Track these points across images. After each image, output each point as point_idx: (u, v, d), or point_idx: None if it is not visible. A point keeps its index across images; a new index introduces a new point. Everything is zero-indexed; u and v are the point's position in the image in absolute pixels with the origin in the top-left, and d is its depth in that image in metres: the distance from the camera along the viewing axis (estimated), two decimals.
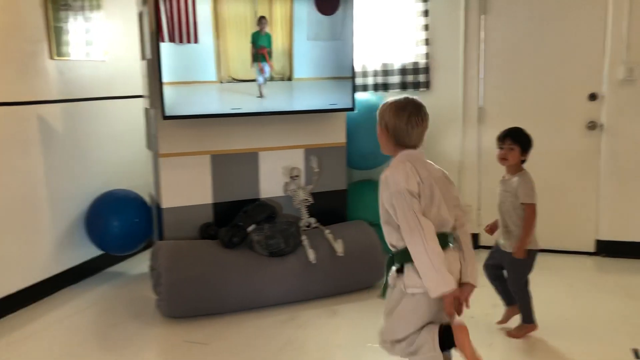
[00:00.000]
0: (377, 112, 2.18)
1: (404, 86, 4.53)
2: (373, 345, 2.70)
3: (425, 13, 4.41)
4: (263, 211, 3.69)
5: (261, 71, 3.60)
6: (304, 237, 3.65)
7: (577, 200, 4.38)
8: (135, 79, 4.17)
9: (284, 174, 3.94)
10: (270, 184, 3.93)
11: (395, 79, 4.53)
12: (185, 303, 3.32)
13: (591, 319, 3.30)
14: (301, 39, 3.68)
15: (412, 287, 2.06)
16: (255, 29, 3.54)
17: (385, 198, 2.06)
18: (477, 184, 4.57)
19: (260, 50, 3.57)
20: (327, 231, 3.75)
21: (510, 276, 3.05)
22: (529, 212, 2.91)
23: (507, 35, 4.38)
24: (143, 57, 3.75)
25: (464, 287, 2.13)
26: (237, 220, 3.64)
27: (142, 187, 4.18)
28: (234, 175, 3.81)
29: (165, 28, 3.31)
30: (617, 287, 3.77)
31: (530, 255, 2.97)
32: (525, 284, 3.05)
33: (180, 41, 3.36)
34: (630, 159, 4.21)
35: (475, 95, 4.48)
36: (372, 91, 4.60)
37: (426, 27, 4.43)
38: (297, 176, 3.90)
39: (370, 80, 4.59)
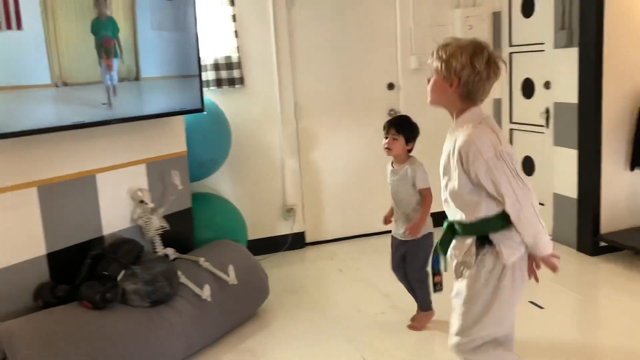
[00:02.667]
0: (438, 55, 1.83)
1: (219, 83, 4.06)
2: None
3: (232, 2, 4.01)
4: (131, 250, 2.82)
5: (109, 68, 2.71)
6: (179, 274, 2.95)
7: (382, 184, 4.65)
8: None
9: (130, 198, 3.09)
10: (114, 214, 3.02)
11: (209, 75, 4.01)
12: None
13: None
14: (145, 28, 2.91)
15: (511, 256, 1.82)
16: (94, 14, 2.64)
17: (478, 169, 1.75)
18: (299, 182, 4.45)
19: (105, 42, 2.68)
20: (202, 259, 3.12)
21: (412, 264, 3.03)
22: (427, 195, 2.94)
23: (313, 28, 4.34)
24: None
25: None
26: (99, 269, 2.70)
27: None
28: (70, 210, 2.80)
29: None
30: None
31: (429, 238, 3.02)
32: (425, 268, 3.09)
33: None
34: (425, 142, 4.70)
35: (291, 90, 4.33)
36: None
37: (234, 18, 4.04)
38: (143, 201, 3.10)
39: None
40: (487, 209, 1.81)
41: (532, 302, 3.31)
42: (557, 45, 4.06)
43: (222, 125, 3.82)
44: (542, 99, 4.32)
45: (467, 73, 1.79)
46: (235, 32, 4.05)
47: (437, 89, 1.87)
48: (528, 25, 4.41)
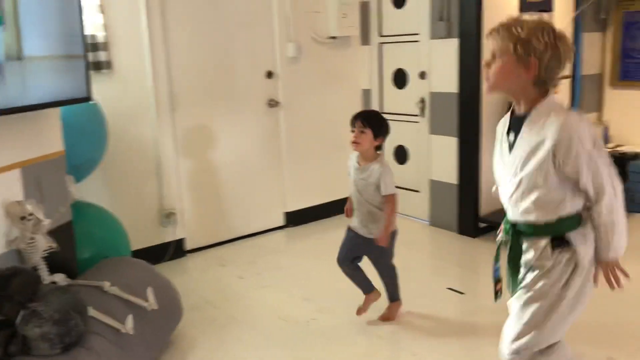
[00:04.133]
0: (511, 33, 1.61)
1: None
2: None
3: None
4: (25, 283, 2.13)
5: None
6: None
7: (266, 178, 4.40)
8: None
9: (5, 214, 2.36)
10: None
11: None
12: None
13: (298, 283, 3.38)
14: None
15: (587, 256, 1.71)
16: None
17: (579, 161, 1.59)
18: (177, 183, 3.92)
19: None
20: (107, 284, 2.52)
21: (381, 262, 2.92)
22: (392, 201, 2.80)
23: (188, 12, 3.84)
24: None
25: None
26: None
27: None
28: None
29: None
30: (305, 251, 4.06)
31: (394, 236, 2.90)
32: (393, 263, 2.96)
33: None
34: (304, 133, 4.52)
35: (166, 77, 3.77)
36: None
37: None
38: (31, 215, 2.40)
39: None
40: (572, 206, 1.68)
41: (450, 289, 3.35)
42: (434, 36, 4.18)
43: (98, 118, 3.16)
44: (416, 89, 4.43)
45: (550, 55, 1.61)
46: (100, 6, 3.39)
47: (507, 73, 1.65)
48: (400, 16, 4.48)
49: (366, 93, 4.83)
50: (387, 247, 2.82)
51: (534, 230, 1.73)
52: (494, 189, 1.93)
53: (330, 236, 4.35)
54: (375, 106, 4.80)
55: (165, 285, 2.81)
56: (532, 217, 1.72)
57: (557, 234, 1.70)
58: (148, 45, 3.64)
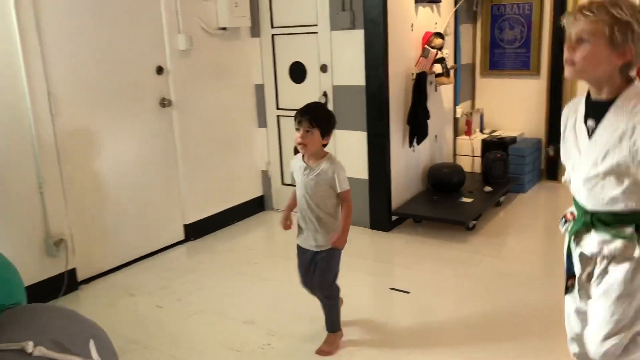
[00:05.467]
0: (609, 14, 1.48)
1: None
2: None
3: None
4: None
5: None
6: None
7: (162, 188, 3.89)
8: None
9: None
10: None
11: None
12: None
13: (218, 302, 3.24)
14: None
15: None
16: None
17: None
18: (63, 203, 3.26)
19: None
20: (29, 345, 1.93)
21: (323, 278, 2.60)
22: (349, 199, 2.57)
23: (64, 1, 3.20)
24: None
25: None
26: None
27: None
28: None
29: None
30: (219, 266, 3.67)
31: (339, 251, 2.65)
32: (336, 282, 2.66)
33: None
34: (199, 134, 4.07)
35: (43, 77, 3.09)
36: None
37: None
38: None
39: None
40: None
41: (394, 289, 3.23)
42: (336, 27, 4.01)
43: None
44: (317, 83, 4.23)
45: None
46: None
47: (598, 58, 1.52)
48: (293, 6, 4.23)
49: (259, 88, 4.52)
50: (335, 257, 2.58)
51: (618, 220, 1.64)
52: (564, 178, 1.83)
53: (239, 246, 4.01)
54: (270, 102, 4.51)
55: (98, 334, 2.27)
56: (618, 207, 1.63)
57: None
58: (19, 41, 2.95)
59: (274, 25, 4.35)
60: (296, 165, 2.57)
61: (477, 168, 5.02)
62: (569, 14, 1.60)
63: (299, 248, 2.63)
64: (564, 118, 1.79)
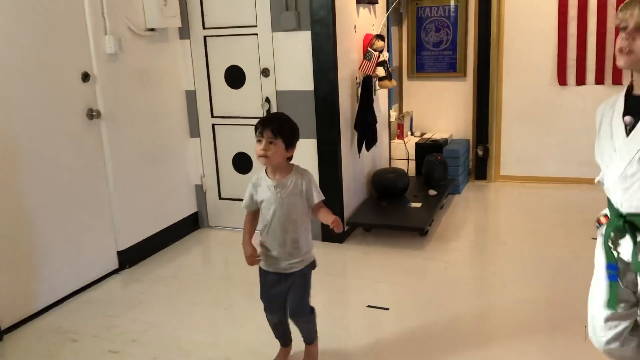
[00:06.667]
0: None
1: None
2: None
3: None
4: None
5: None
6: None
7: (92, 212, 3.39)
8: None
9: None
10: None
11: None
12: None
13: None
14: None
15: None
16: None
17: None
18: None
19: None
20: None
21: (299, 299, 2.36)
22: (324, 206, 2.36)
23: None
24: None
25: None
26: None
27: None
28: None
29: None
30: (169, 297, 3.26)
31: (313, 266, 2.42)
32: (310, 299, 2.45)
33: None
34: (130, 148, 3.62)
35: None
36: None
37: None
38: None
39: None
40: None
41: (371, 306, 3.03)
42: (279, 28, 3.74)
43: None
44: (258, 88, 3.93)
45: None
46: None
47: None
48: (227, 6, 3.90)
49: (190, 95, 4.12)
50: (309, 274, 2.37)
51: None
52: (597, 179, 1.73)
53: (183, 272, 3.62)
54: (203, 110, 4.14)
55: None
56: None
57: None
58: None
59: (206, 26, 3.98)
60: (262, 185, 2.30)
61: (412, 171, 4.98)
62: (630, 4, 1.53)
63: (265, 273, 2.36)
64: (599, 115, 1.74)
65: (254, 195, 2.31)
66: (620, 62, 1.57)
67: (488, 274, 3.43)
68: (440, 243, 3.86)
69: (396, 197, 4.32)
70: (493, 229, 4.33)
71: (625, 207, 1.61)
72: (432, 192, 4.40)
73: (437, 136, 5.19)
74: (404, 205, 4.19)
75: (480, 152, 5.20)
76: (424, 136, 5.25)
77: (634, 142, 1.56)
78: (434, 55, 5.28)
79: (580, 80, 4.84)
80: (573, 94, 4.88)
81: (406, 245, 3.82)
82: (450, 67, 5.25)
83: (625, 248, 1.67)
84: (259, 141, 2.21)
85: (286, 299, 2.36)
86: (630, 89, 1.64)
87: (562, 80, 4.88)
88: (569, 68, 4.85)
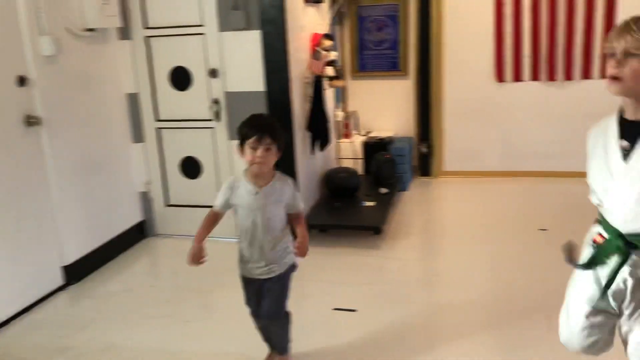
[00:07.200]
0: None
1: None
2: None
3: None
4: None
5: None
6: None
7: (33, 227, 3.14)
8: None
9: None
10: None
11: None
12: None
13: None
14: None
15: None
16: None
17: None
18: None
19: None
20: None
21: (275, 303, 2.31)
22: (303, 215, 2.33)
23: None
24: None
25: None
26: None
27: None
28: None
29: None
30: (100, 314, 3.08)
31: (293, 269, 2.37)
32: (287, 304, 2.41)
33: None
34: (74, 157, 3.39)
35: None
36: None
37: None
38: None
39: None
40: None
41: (338, 309, 2.99)
42: (227, 28, 3.62)
43: None
44: (206, 89, 3.79)
45: None
46: None
47: None
48: (170, 4, 3.73)
49: (133, 98, 3.92)
50: (287, 279, 2.32)
51: None
52: (592, 200, 1.73)
53: (137, 284, 3.45)
54: (147, 113, 3.95)
55: None
56: None
57: None
58: None
59: (148, 25, 3.80)
60: (241, 189, 2.21)
61: (361, 170, 4.98)
62: (617, 32, 1.54)
63: (248, 281, 2.30)
64: (592, 139, 1.73)
65: (230, 199, 2.20)
66: (612, 89, 1.58)
67: (445, 269, 3.47)
68: (395, 241, 3.87)
69: (349, 196, 4.31)
70: (443, 224, 4.40)
71: (626, 228, 1.62)
72: (383, 190, 4.42)
73: (382, 134, 5.22)
74: (357, 205, 4.18)
75: (424, 149, 5.29)
76: (370, 135, 5.27)
77: (632, 166, 1.58)
78: (376, 55, 5.31)
79: (517, 76, 5.01)
80: (510, 90, 5.05)
81: (362, 244, 3.81)
82: (393, 66, 5.29)
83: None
84: (254, 148, 2.11)
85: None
86: (622, 112, 1.65)
87: (499, 77, 5.04)
88: (506, 65, 5.01)
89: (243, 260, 2.26)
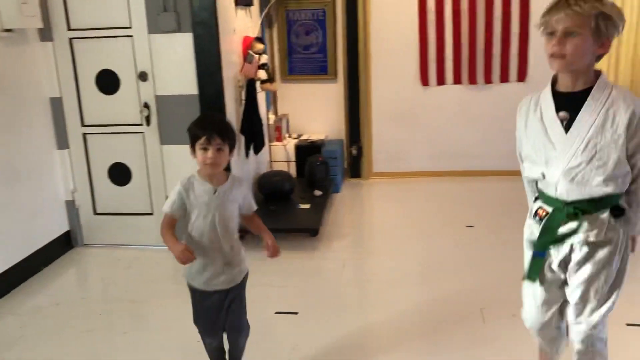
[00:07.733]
0: (596, 9, 1.56)
1: None
2: None
3: None
4: None
5: None
6: None
7: None
8: None
9: None
10: None
11: None
12: None
13: None
14: None
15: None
16: None
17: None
18: None
19: None
20: None
21: (239, 313, 2.25)
22: (258, 217, 2.33)
23: None
24: None
25: None
26: None
27: None
28: None
29: None
30: (28, 330, 2.98)
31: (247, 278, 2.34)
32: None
33: None
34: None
35: None
36: None
37: None
38: None
39: None
40: (624, 184, 1.70)
41: (280, 312, 2.99)
42: (157, 30, 3.54)
43: None
44: (135, 93, 3.68)
45: (616, 34, 1.59)
46: None
47: (585, 50, 1.58)
48: (95, 5, 3.59)
49: (56, 103, 3.74)
50: (244, 293, 2.27)
51: (595, 206, 1.71)
52: (524, 175, 1.85)
53: (66, 298, 3.30)
54: (72, 119, 3.78)
55: None
56: (597, 193, 1.69)
57: (613, 204, 1.72)
58: None
59: (72, 27, 3.64)
60: (197, 189, 2.14)
61: (293, 173, 5.00)
62: (555, 9, 1.61)
63: (205, 294, 2.18)
64: (523, 112, 1.82)
65: (185, 200, 2.11)
66: (555, 66, 1.66)
67: (381, 267, 3.54)
68: (331, 242, 3.92)
69: (283, 199, 4.31)
70: (376, 224, 4.50)
71: (571, 196, 1.72)
72: (317, 193, 4.46)
73: (313, 137, 5.27)
74: (293, 208, 4.19)
75: (354, 151, 5.38)
76: (301, 138, 5.30)
77: (575, 135, 1.67)
78: (305, 58, 5.35)
79: (440, 80, 5.21)
80: (435, 93, 5.25)
81: (298, 247, 3.83)
82: (322, 70, 5.35)
83: (569, 231, 1.77)
84: (205, 149, 2.05)
85: (226, 317, 2.21)
86: (553, 86, 1.74)
87: (424, 81, 5.22)
88: (430, 70, 5.20)
89: (198, 272, 2.15)
